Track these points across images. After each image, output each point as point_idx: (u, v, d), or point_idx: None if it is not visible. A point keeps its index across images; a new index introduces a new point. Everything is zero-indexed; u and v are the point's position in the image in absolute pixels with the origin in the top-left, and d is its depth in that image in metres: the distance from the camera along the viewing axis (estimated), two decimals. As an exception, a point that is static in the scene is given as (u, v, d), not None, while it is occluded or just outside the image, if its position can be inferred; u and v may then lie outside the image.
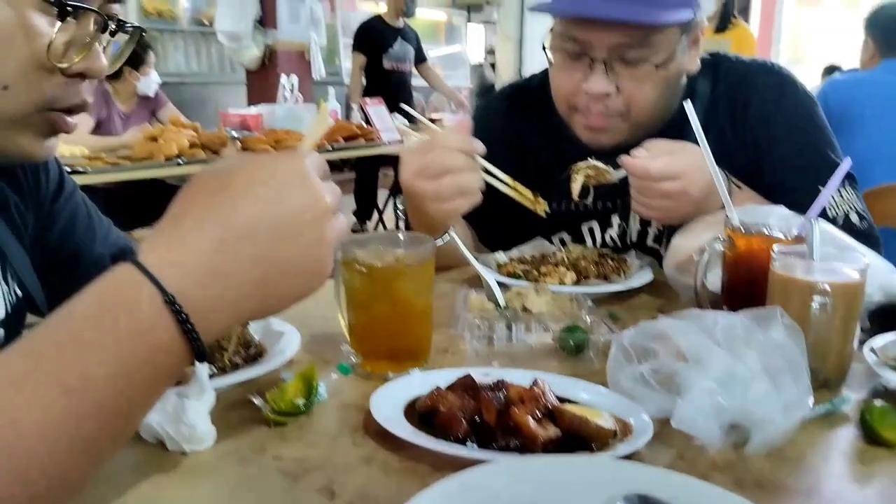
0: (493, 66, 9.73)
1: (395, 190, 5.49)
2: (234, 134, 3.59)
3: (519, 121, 1.25)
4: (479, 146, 0.95)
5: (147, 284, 0.46)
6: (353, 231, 5.63)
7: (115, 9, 0.70)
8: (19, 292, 0.81)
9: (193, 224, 0.50)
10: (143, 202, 3.47)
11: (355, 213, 5.63)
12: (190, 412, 0.61)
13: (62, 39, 0.64)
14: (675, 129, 1.09)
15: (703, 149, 0.92)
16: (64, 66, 0.65)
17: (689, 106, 0.92)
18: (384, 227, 4.93)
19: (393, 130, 4.20)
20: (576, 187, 1.08)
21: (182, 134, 2.95)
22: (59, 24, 0.63)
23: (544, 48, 1.12)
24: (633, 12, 1.00)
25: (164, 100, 3.87)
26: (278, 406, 0.67)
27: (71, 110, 0.69)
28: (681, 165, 0.98)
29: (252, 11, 4.16)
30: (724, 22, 4.01)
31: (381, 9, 5.42)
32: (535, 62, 9.18)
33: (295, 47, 4.41)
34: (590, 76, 1.06)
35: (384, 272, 0.76)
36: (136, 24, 0.76)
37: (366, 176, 5.31)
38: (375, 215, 5.41)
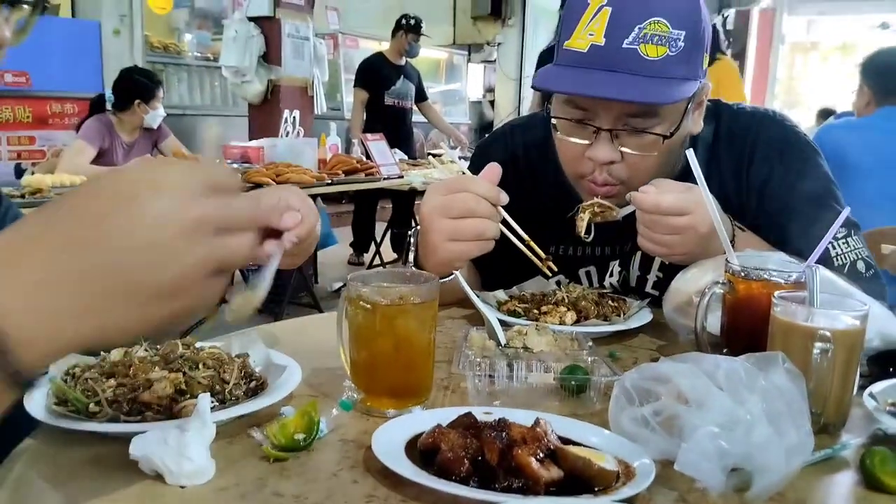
0: (492, 103, 9.86)
1: (393, 223, 5.54)
2: (235, 166, 3.62)
3: (520, 161, 1.27)
4: (504, 197, 0.96)
5: None
6: (350, 263, 5.66)
7: None
8: None
9: (29, 235, 0.44)
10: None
11: (352, 245, 5.65)
12: (191, 446, 0.61)
13: None
14: (678, 176, 1.11)
15: (705, 193, 0.93)
16: None
17: (691, 155, 0.94)
18: (381, 259, 4.94)
19: (392, 165, 4.25)
20: (582, 225, 1.08)
21: (184, 165, 2.97)
22: None
23: (548, 113, 1.12)
24: (641, 92, 1.00)
25: (167, 132, 3.91)
26: (279, 441, 0.67)
27: None
28: (690, 202, 0.98)
29: (256, 48, 4.22)
30: (710, 57, 4.07)
31: (384, 47, 5.52)
32: (533, 100, 9.30)
33: (298, 83, 4.47)
34: (594, 144, 1.06)
35: (388, 309, 0.76)
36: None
37: (364, 209, 5.35)
38: (373, 248, 5.42)
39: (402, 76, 5.46)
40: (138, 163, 0.50)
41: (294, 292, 3.95)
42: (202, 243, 0.46)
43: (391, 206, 5.54)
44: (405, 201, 5.36)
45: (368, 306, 0.76)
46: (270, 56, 4.29)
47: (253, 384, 0.78)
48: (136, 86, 3.66)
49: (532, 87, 1.11)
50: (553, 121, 1.11)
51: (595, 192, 1.11)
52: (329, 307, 4.35)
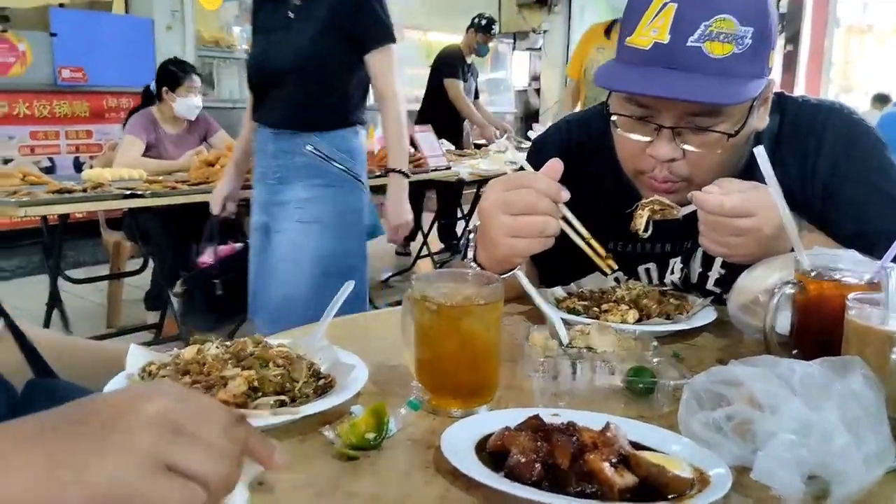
0: (537, 91, 9.77)
1: (440, 214, 5.55)
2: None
3: (578, 157, 1.25)
4: (565, 194, 0.95)
5: None
6: (398, 253, 5.70)
7: None
8: None
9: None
10: (196, 222, 3.57)
11: None
12: None
13: None
14: (742, 172, 1.09)
15: (775, 191, 0.91)
16: None
17: (760, 152, 0.91)
18: (428, 249, 4.96)
19: (440, 157, 4.25)
20: (641, 222, 1.07)
21: (237, 159, 3.02)
22: None
23: (607, 109, 1.11)
24: (706, 92, 0.97)
25: (216, 126, 3.95)
26: (350, 440, 0.68)
27: None
28: (755, 203, 0.96)
29: (305, 40, 4.25)
30: None
31: (429, 38, 5.57)
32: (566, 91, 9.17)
33: (345, 74, 4.49)
34: (655, 141, 1.04)
35: (454, 311, 0.76)
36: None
37: (411, 199, 5.36)
38: (419, 238, 5.43)
39: (469, 73, 5.53)
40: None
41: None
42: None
43: (435, 196, 5.55)
44: (452, 192, 5.37)
45: (434, 307, 0.77)
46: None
47: (321, 382, 0.80)
48: (165, 75, 3.71)
49: (595, 84, 1.08)
50: (612, 117, 1.10)
51: (655, 189, 1.09)
52: (377, 296, 4.40)
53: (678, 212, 1.07)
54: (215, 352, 0.81)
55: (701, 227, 1.01)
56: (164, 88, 3.67)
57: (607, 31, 4.45)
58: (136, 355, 0.81)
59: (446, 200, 5.53)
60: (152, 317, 3.60)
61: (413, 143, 4.29)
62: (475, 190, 5.78)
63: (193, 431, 0.45)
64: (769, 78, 1.05)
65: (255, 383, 0.75)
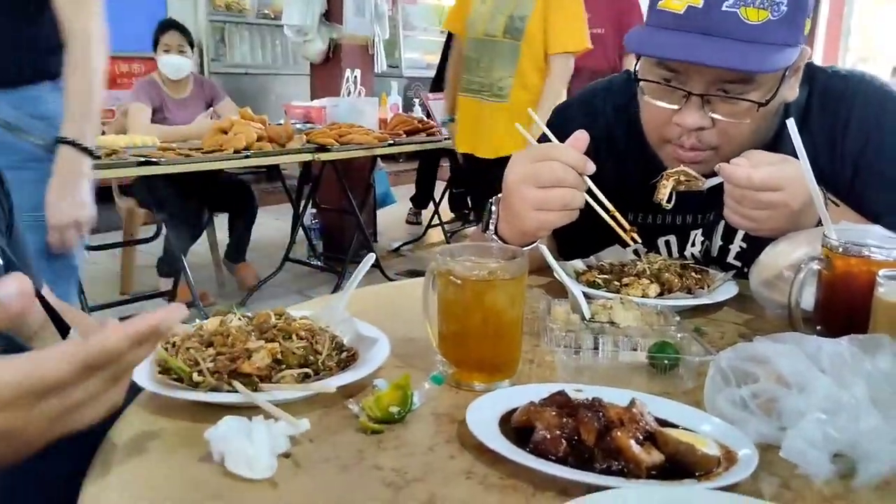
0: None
1: (451, 183, 5.53)
2: (300, 126, 3.65)
3: (601, 127, 1.23)
4: (591, 166, 0.94)
5: None
6: (409, 222, 5.70)
7: None
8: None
9: None
10: (207, 189, 3.57)
11: (412, 200, 5.69)
12: (260, 445, 0.60)
13: None
14: (769, 144, 1.07)
15: (804, 164, 0.89)
16: None
17: (791, 124, 0.89)
18: (439, 218, 4.95)
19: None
20: (665, 192, 1.05)
21: (251, 127, 3.01)
22: None
23: (635, 76, 1.08)
24: (740, 58, 0.95)
25: (222, 93, 3.90)
26: (374, 414, 0.69)
27: None
28: (783, 177, 0.94)
29: (318, 6, 4.19)
30: None
31: (444, 2, 5.46)
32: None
33: (359, 41, 4.44)
34: (684, 109, 1.02)
35: (478, 285, 0.76)
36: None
37: (425, 166, 5.36)
38: (431, 207, 5.43)
39: None
40: None
41: (355, 252, 4.00)
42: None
43: (448, 164, 5.52)
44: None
45: (458, 281, 0.76)
46: (332, 14, 4.27)
47: (344, 355, 0.80)
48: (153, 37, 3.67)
49: (626, 47, 1.06)
50: (640, 83, 1.08)
51: (681, 159, 1.07)
52: (388, 266, 4.41)
53: (703, 184, 1.06)
54: (238, 323, 0.82)
55: (727, 199, 1.00)
56: (154, 52, 3.64)
57: None
58: (159, 326, 0.82)
59: (458, 170, 5.51)
60: (165, 283, 3.62)
61: (426, 111, 4.26)
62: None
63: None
64: (803, 46, 1.02)
65: (279, 356, 0.75)
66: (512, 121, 2.66)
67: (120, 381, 0.59)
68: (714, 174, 1.01)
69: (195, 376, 0.72)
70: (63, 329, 0.82)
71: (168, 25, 3.69)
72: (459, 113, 3.32)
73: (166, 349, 0.77)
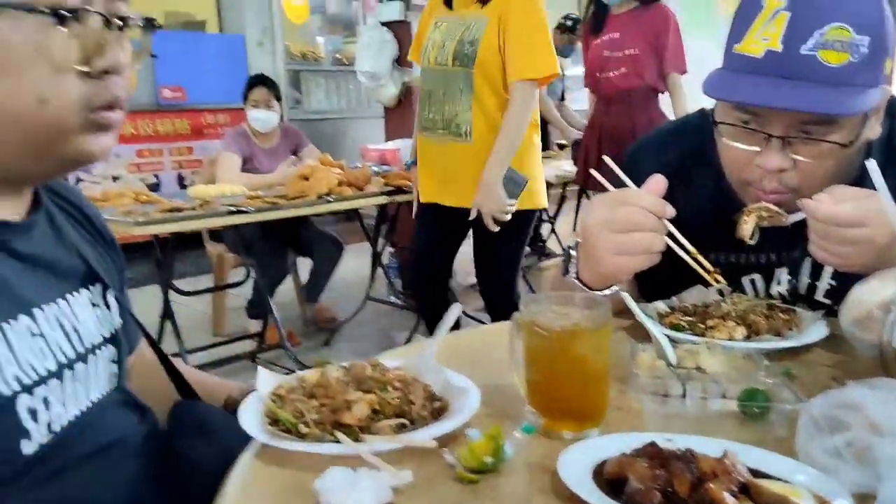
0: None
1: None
2: (376, 169, 3.76)
3: (676, 168, 1.23)
4: (670, 210, 0.95)
5: None
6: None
7: (121, 7, 0.75)
8: (119, 320, 0.92)
9: None
10: (292, 233, 3.72)
11: None
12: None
13: (76, 45, 0.70)
14: (853, 182, 1.05)
15: (887, 201, 0.89)
16: (86, 68, 0.72)
17: (872, 166, 0.89)
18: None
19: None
20: (747, 229, 1.05)
21: (331, 172, 3.13)
22: (64, 29, 0.69)
23: (712, 118, 1.09)
24: (822, 103, 0.95)
25: (306, 141, 4.07)
26: (469, 463, 0.72)
27: (110, 106, 0.75)
28: (867, 212, 0.93)
29: (390, 53, 4.35)
30: None
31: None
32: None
33: (429, 83, 4.57)
34: (764, 151, 1.03)
35: (563, 335, 0.79)
36: (148, 19, 0.79)
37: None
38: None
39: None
40: None
41: (432, 288, 4.07)
42: None
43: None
44: (537, 194, 5.36)
45: (543, 332, 0.79)
46: (403, 59, 4.41)
47: (437, 405, 0.84)
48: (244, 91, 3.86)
49: (704, 93, 1.07)
50: (718, 125, 1.09)
51: (763, 200, 1.07)
52: (466, 302, 4.44)
53: (786, 219, 1.05)
54: (336, 374, 0.87)
55: (811, 235, 0.99)
56: (243, 106, 3.84)
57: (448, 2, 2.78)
58: (265, 378, 0.88)
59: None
60: (254, 325, 3.76)
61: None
62: (560, 191, 5.76)
63: None
64: (884, 86, 1.01)
65: (377, 406, 0.79)
66: (478, 166, 2.54)
67: None
68: (797, 209, 1.01)
69: (301, 428, 0.77)
70: (185, 392, 0.89)
71: (256, 81, 3.89)
72: (419, 155, 2.87)
73: (274, 401, 0.83)
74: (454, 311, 0.96)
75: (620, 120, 3.78)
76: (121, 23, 0.74)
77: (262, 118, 3.78)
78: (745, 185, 1.10)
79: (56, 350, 0.77)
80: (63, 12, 0.69)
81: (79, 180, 4.79)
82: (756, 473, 0.66)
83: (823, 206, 0.96)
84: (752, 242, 1.06)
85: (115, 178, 4.97)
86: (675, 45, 3.75)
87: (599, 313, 0.80)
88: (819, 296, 1.19)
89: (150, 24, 0.80)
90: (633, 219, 0.94)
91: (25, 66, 0.69)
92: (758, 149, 1.04)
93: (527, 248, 5.59)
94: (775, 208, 1.05)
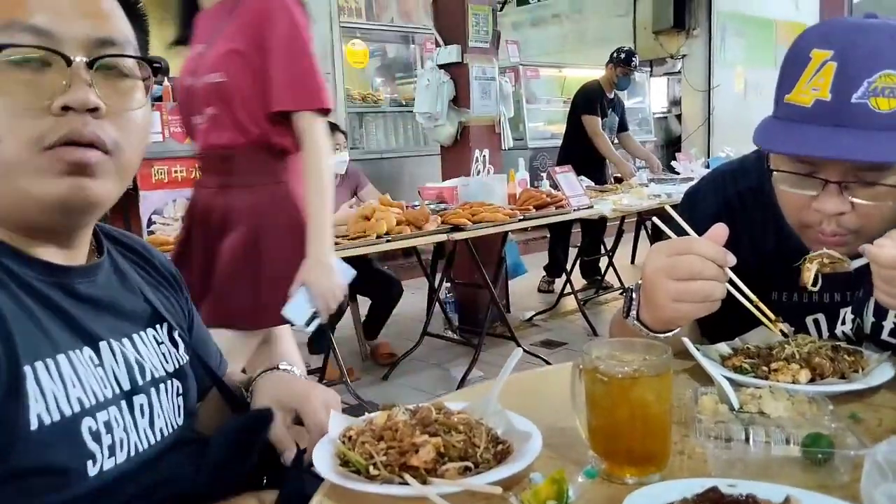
0: (678, 117, 9.52)
1: (583, 251, 5.54)
2: (433, 207, 3.83)
3: (736, 210, 1.24)
4: (731, 259, 0.95)
5: None
6: (541, 291, 5.73)
7: (111, 50, 0.76)
8: (185, 357, 0.97)
9: None
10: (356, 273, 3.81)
11: (546, 269, 5.74)
12: None
13: (31, 84, 0.71)
14: None
15: None
16: (46, 104, 0.71)
17: None
18: (572, 287, 4.94)
19: (582, 196, 4.26)
20: (809, 276, 1.05)
21: (391, 213, 3.21)
22: (15, 70, 0.70)
23: (768, 166, 1.10)
24: (875, 151, 0.96)
25: (365, 181, 4.21)
26: (533, 507, 0.74)
27: (71, 142, 0.73)
28: None
29: (447, 93, 4.45)
30: None
31: (565, 74, 5.59)
32: (724, 113, 8.86)
33: (485, 121, 4.64)
34: (822, 196, 1.03)
35: (624, 382, 0.80)
36: (150, 60, 0.80)
37: (558, 236, 5.42)
38: (564, 276, 5.43)
39: (610, 109, 5.55)
40: None
41: (490, 323, 4.09)
42: None
43: (581, 231, 5.55)
44: (594, 228, 5.35)
45: (604, 379, 0.81)
46: (459, 99, 4.51)
47: (500, 448, 0.86)
48: None
49: (755, 144, 1.08)
50: (773, 173, 1.09)
51: (823, 243, 1.07)
52: (523, 336, 4.45)
53: (849, 265, 1.05)
54: (403, 417, 0.90)
55: (875, 280, 0.99)
56: None
57: None
58: (336, 420, 0.92)
59: (589, 237, 5.52)
60: (315, 360, 3.85)
61: (554, 184, 4.35)
62: (618, 224, 5.73)
63: None
64: None
65: (442, 449, 0.83)
66: None
67: None
68: (859, 254, 1.01)
69: (371, 469, 0.80)
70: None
71: (333, 127, 4.08)
72: None
73: (344, 443, 0.87)
74: (516, 354, 0.98)
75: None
76: (86, 62, 0.73)
77: (342, 159, 3.98)
78: (805, 228, 1.10)
79: (113, 381, 0.83)
80: (12, 53, 0.70)
81: (151, 223, 5.03)
82: (821, 521, 0.66)
83: (886, 250, 0.96)
84: (814, 290, 1.06)
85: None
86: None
87: (660, 360, 0.81)
88: (885, 335, 1.18)
89: (151, 68, 0.82)
90: (693, 267, 0.95)
91: None
92: (814, 193, 1.04)
93: (584, 282, 5.62)
94: (837, 255, 1.05)
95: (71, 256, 0.85)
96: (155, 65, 0.83)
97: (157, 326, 0.95)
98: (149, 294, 0.96)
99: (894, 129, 0.96)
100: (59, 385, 0.75)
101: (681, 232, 1.04)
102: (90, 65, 0.75)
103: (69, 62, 0.73)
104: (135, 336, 0.89)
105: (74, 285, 0.83)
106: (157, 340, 0.93)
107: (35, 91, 0.72)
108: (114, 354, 0.84)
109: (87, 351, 0.80)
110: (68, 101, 0.72)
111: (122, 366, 0.85)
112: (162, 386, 0.91)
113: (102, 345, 0.83)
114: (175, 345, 0.96)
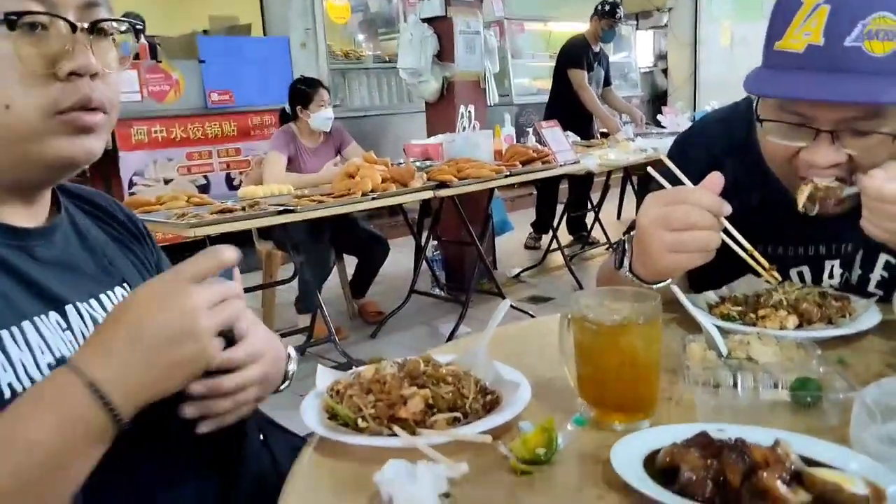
0: (664, 71, 9.44)
1: (569, 206, 5.53)
2: (419, 164, 3.80)
3: (723, 160, 1.23)
4: (727, 208, 0.94)
5: (78, 378, 0.65)
6: (527, 247, 5.74)
7: (97, 13, 0.77)
8: None
9: (105, 337, 0.69)
10: (337, 230, 3.79)
11: (533, 225, 5.74)
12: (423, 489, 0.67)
13: (39, 51, 0.72)
14: None
15: None
16: (53, 71, 0.72)
17: None
18: (558, 243, 4.95)
19: (568, 151, 4.23)
20: (802, 198, 1.04)
21: (375, 170, 3.18)
22: (26, 38, 0.71)
23: (757, 116, 1.08)
24: (870, 93, 0.93)
25: (349, 139, 4.15)
26: (522, 455, 0.74)
27: (83, 108, 0.75)
28: None
29: (431, 48, 4.37)
30: None
31: (550, 27, 5.51)
32: (710, 67, 8.79)
33: (471, 77, 4.57)
34: (813, 147, 1.01)
35: (614, 330, 0.80)
36: (132, 19, 0.81)
37: (545, 192, 5.41)
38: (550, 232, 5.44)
39: (596, 62, 5.48)
40: (152, 282, 0.73)
41: (477, 281, 4.10)
42: (201, 317, 0.69)
43: (567, 187, 5.53)
44: (581, 184, 5.33)
45: (594, 327, 0.80)
46: (444, 54, 4.43)
47: (488, 398, 0.86)
48: (296, 94, 3.94)
49: (746, 91, 1.05)
50: (760, 123, 1.07)
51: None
52: (510, 293, 4.46)
53: (841, 191, 1.03)
54: (391, 371, 0.89)
55: (864, 209, 0.98)
56: (298, 107, 3.91)
57: None
58: (323, 374, 0.91)
59: (575, 192, 5.50)
60: (303, 320, 3.84)
61: (540, 139, 4.31)
62: (604, 179, 5.71)
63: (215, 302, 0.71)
64: None
65: (430, 401, 0.82)
66: None
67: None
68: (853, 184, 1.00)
69: (360, 422, 0.80)
70: None
71: (317, 83, 4.00)
72: None
73: (332, 397, 0.86)
74: (503, 306, 0.97)
75: None
76: (86, 27, 0.75)
77: (329, 115, 3.92)
78: (795, 178, 1.08)
79: (83, 342, 0.79)
80: (23, 21, 0.71)
81: (132, 184, 4.96)
82: (809, 462, 0.67)
83: (875, 181, 0.95)
84: (811, 213, 1.04)
85: (166, 181, 5.13)
86: None
87: (650, 307, 0.80)
88: (871, 287, 1.18)
89: (132, 30, 0.82)
90: (689, 217, 0.94)
91: None
92: (804, 144, 1.02)
93: (570, 238, 5.62)
94: (833, 184, 1.03)
95: (33, 214, 0.83)
96: (137, 26, 0.83)
97: (125, 285, 0.92)
98: (113, 251, 0.93)
99: (890, 73, 0.94)
100: (27, 352, 0.73)
101: (675, 181, 1.02)
102: (90, 30, 0.76)
103: (74, 28, 0.74)
104: (102, 296, 0.87)
105: (34, 247, 0.81)
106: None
107: (40, 57, 0.73)
108: (81, 317, 0.82)
109: (54, 315, 0.78)
110: (75, 67, 0.74)
111: (91, 328, 0.83)
112: None
113: (69, 308, 0.80)
114: None
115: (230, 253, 0.73)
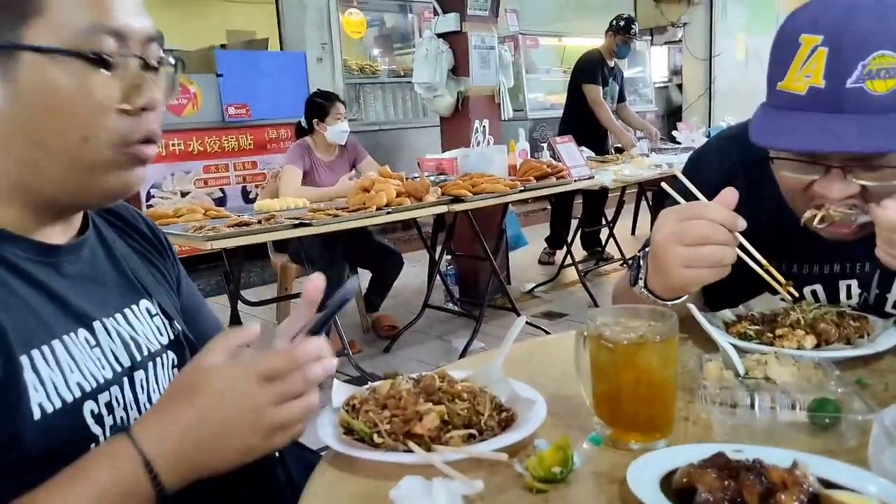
0: (679, 87, 9.44)
1: (583, 222, 5.52)
2: (433, 178, 3.81)
3: (738, 177, 1.22)
4: (742, 223, 0.94)
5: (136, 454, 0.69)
6: (541, 262, 5.73)
7: (154, 49, 0.79)
8: (179, 327, 0.97)
9: (168, 415, 0.71)
10: (352, 244, 3.80)
11: (547, 240, 5.73)
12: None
13: (118, 86, 0.75)
14: None
15: None
16: (127, 107, 0.76)
17: None
18: (572, 258, 4.94)
19: (582, 166, 4.24)
20: (815, 220, 1.03)
21: (390, 184, 3.19)
22: (108, 74, 0.74)
23: (769, 154, 1.08)
24: (875, 137, 0.93)
25: (364, 153, 4.18)
26: (538, 473, 0.73)
27: (145, 141, 0.79)
28: None
29: (446, 63, 4.40)
30: None
31: (565, 43, 5.51)
32: (725, 81, 8.78)
33: (485, 91, 4.59)
34: (826, 181, 1.01)
35: (630, 348, 0.80)
36: (177, 56, 0.84)
37: (559, 207, 5.41)
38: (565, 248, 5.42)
39: (611, 77, 5.50)
40: (225, 368, 0.73)
41: (490, 295, 4.09)
42: (266, 416, 0.71)
43: (582, 202, 5.52)
44: (595, 199, 5.33)
45: (609, 345, 0.80)
46: (459, 69, 4.45)
47: (504, 415, 0.86)
48: (313, 106, 3.98)
49: (751, 139, 1.05)
50: (773, 161, 1.07)
51: (833, 231, 1.06)
52: (524, 308, 4.45)
53: (855, 218, 1.03)
54: (406, 386, 0.90)
55: (878, 240, 0.98)
56: (315, 120, 3.94)
57: None
58: (339, 390, 0.92)
59: (590, 208, 5.49)
60: (317, 333, 3.85)
61: (554, 154, 4.32)
62: (619, 195, 5.70)
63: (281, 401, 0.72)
64: None
65: (446, 417, 0.82)
66: None
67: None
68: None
69: (375, 437, 0.80)
70: None
71: (333, 97, 4.03)
72: None
73: (347, 412, 0.86)
74: (519, 323, 0.98)
75: None
76: (157, 64, 0.79)
77: (343, 129, 3.95)
78: (810, 207, 1.08)
79: (112, 359, 0.82)
80: (106, 57, 0.73)
81: (150, 196, 5.01)
82: (827, 484, 0.66)
83: (888, 212, 0.95)
84: (821, 228, 1.04)
85: (183, 194, 5.17)
86: None
87: (665, 325, 0.80)
88: (889, 307, 1.17)
89: (180, 63, 0.85)
90: (703, 232, 0.93)
91: (71, 107, 0.73)
92: (816, 177, 1.02)
93: (584, 253, 5.61)
94: (846, 212, 1.03)
95: (65, 230, 0.85)
96: (183, 60, 0.87)
97: (149, 298, 0.94)
98: (137, 264, 0.95)
99: (892, 110, 0.93)
100: (58, 372, 0.74)
101: (689, 197, 1.02)
102: (157, 66, 0.79)
103: (148, 66, 0.78)
104: (126, 311, 0.88)
105: (61, 263, 0.82)
106: (150, 313, 0.92)
107: (117, 92, 0.76)
108: (108, 333, 0.83)
109: (83, 332, 0.80)
110: (146, 102, 0.78)
111: (119, 343, 0.84)
112: (158, 359, 0.90)
113: (96, 324, 0.82)
114: (168, 316, 0.95)
115: (329, 363, 0.77)
